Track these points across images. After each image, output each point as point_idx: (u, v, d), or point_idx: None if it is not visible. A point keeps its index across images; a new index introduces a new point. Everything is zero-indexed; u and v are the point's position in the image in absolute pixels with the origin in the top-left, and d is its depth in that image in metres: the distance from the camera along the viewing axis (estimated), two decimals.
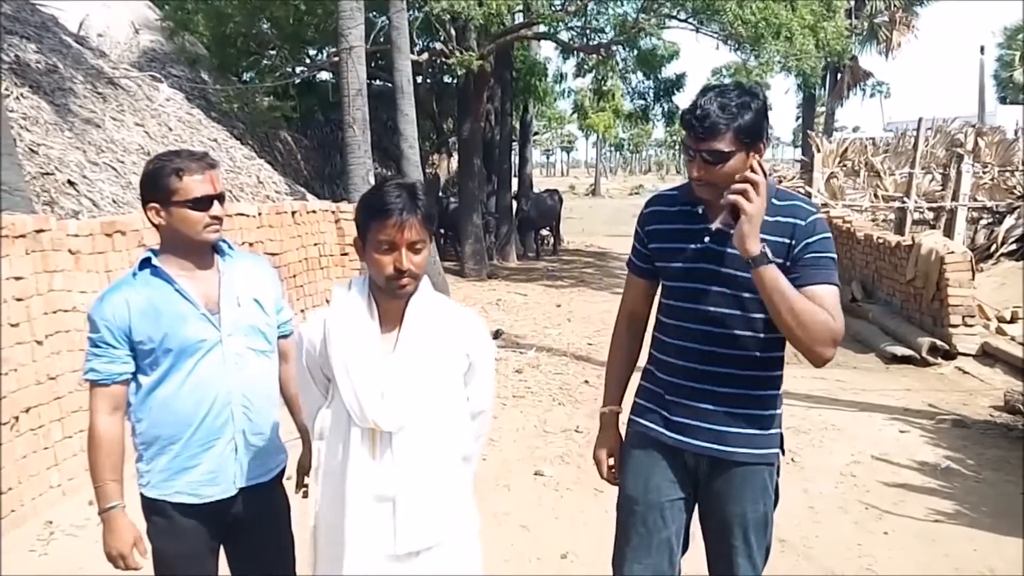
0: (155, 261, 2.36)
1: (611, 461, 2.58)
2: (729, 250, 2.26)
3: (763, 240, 2.22)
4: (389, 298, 2.07)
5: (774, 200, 2.27)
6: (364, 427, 2.04)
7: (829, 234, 2.26)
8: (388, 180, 2.10)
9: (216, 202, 2.34)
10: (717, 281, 2.29)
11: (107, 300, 2.32)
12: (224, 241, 2.48)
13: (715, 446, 2.33)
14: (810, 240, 2.22)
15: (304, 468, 2.68)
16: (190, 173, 2.30)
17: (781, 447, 2.40)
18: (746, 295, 2.26)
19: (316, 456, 2.15)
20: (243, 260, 2.53)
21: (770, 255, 2.15)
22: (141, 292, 2.32)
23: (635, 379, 2.60)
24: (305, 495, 2.70)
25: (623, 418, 2.60)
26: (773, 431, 2.36)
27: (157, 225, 2.37)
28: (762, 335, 2.29)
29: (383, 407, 2.02)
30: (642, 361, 2.60)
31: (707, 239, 2.30)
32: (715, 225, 2.27)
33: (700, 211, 2.33)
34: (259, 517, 2.50)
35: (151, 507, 2.40)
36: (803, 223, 2.23)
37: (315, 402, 2.17)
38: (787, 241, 2.22)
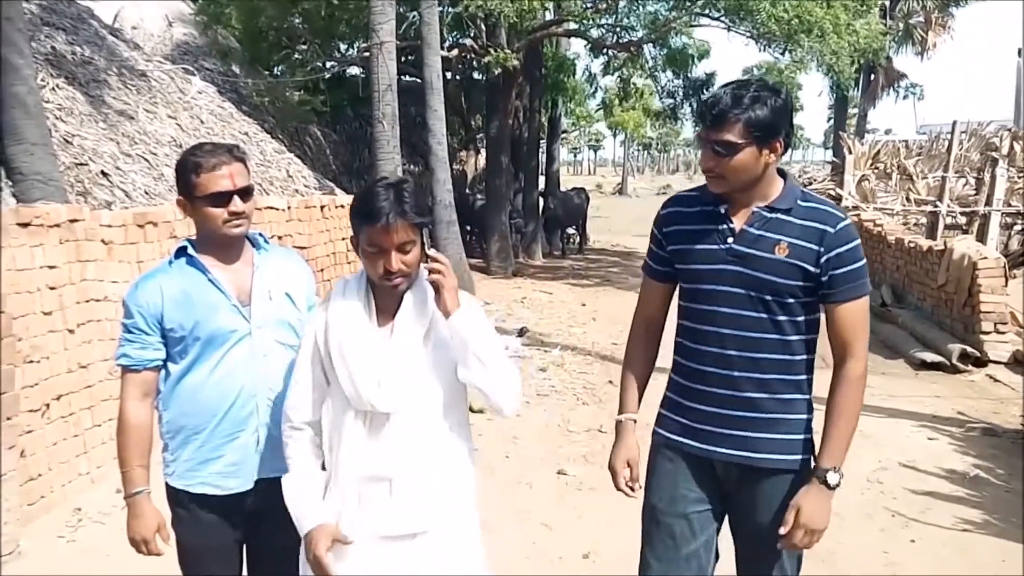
0: (191, 251, 2.38)
1: (627, 473, 2.51)
2: (753, 251, 2.23)
3: (790, 244, 2.19)
4: (384, 290, 2.15)
5: (799, 202, 2.24)
6: (359, 409, 2.11)
7: (858, 240, 2.23)
8: (378, 181, 2.14)
9: (237, 197, 2.32)
10: (740, 283, 2.24)
11: (141, 286, 2.35)
12: (261, 235, 2.51)
13: (741, 453, 2.28)
14: (843, 250, 2.18)
15: None
16: (207, 169, 2.29)
17: (813, 453, 2.34)
18: (770, 297, 2.22)
19: (325, 444, 2.22)
20: (278, 254, 2.54)
21: (836, 480, 2.21)
22: (175, 280, 2.35)
23: (654, 386, 2.55)
24: None
25: (646, 425, 2.54)
26: (801, 437, 2.31)
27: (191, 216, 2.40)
28: (789, 337, 2.25)
29: (379, 389, 2.09)
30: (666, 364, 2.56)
31: (730, 240, 2.26)
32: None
33: (723, 211, 2.29)
34: (275, 510, 2.50)
35: (175, 497, 2.43)
36: (832, 230, 2.19)
37: (305, 398, 2.22)
38: (815, 248, 2.19)
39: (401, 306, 2.15)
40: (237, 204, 2.32)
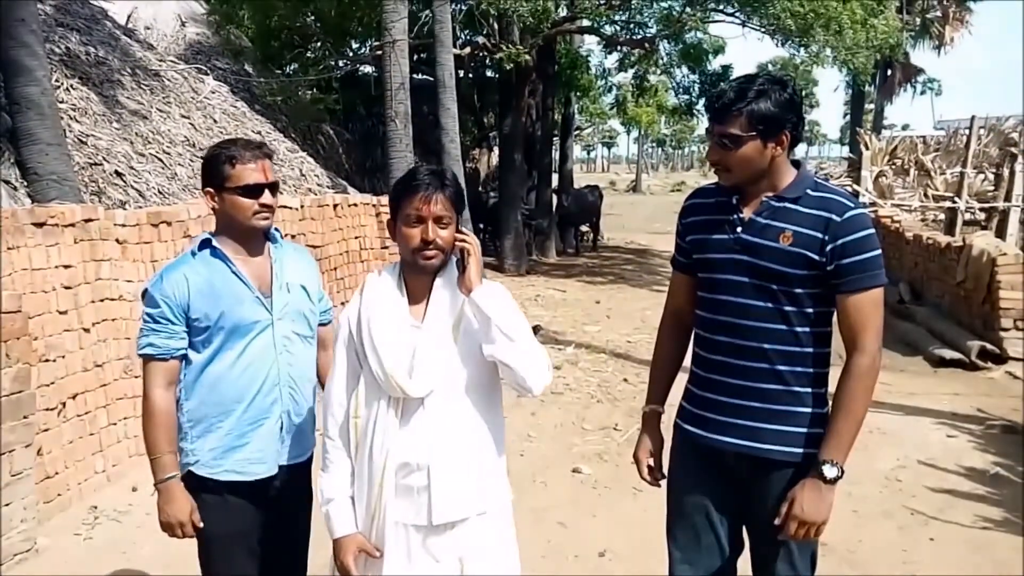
0: (215, 242, 2.45)
1: (651, 462, 2.53)
2: (759, 240, 2.22)
3: (794, 232, 2.18)
4: (417, 275, 2.19)
5: (809, 191, 2.23)
6: (392, 396, 2.13)
7: (870, 230, 2.19)
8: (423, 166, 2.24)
9: (267, 190, 2.43)
10: (748, 272, 2.24)
11: (167, 277, 2.41)
12: (276, 229, 2.59)
13: (748, 443, 2.27)
14: (849, 239, 2.15)
15: None
16: (243, 161, 2.39)
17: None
18: (776, 286, 2.21)
19: (353, 434, 2.21)
20: (290, 249, 2.64)
21: (833, 474, 2.19)
22: (199, 271, 2.42)
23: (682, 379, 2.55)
24: None
25: (669, 419, 2.54)
26: (813, 431, 2.27)
27: (214, 209, 2.46)
28: (797, 328, 2.23)
29: (409, 375, 2.11)
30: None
31: (739, 229, 2.26)
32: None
33: (734, 201, 2.29)
34: (293, 496, 2.57)
35: (200, 485, 2.46)
36: (838, 219, 2.16)
37: (339, 394, 2.24)
38: (819, 235, 2.17)
39: (432, 294, 2.19)
40: (267, 197, 2.44)
